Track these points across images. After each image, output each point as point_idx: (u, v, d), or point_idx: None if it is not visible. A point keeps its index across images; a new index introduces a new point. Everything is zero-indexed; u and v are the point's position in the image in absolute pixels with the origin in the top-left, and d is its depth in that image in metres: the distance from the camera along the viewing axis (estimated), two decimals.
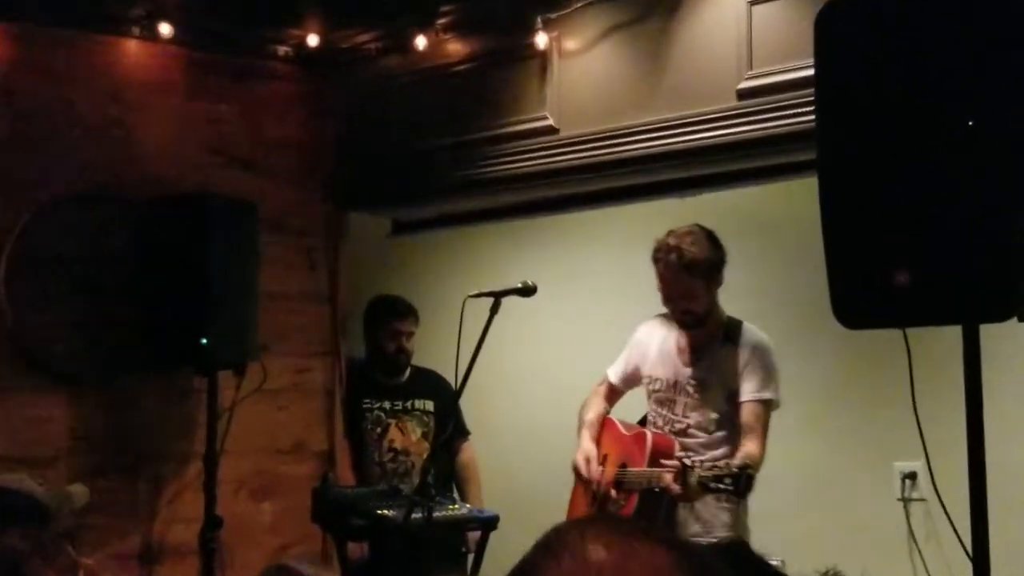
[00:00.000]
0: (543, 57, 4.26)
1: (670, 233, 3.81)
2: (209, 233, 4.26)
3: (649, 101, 3.98)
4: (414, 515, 3.51)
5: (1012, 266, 2.39)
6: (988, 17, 2.42)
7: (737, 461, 3.48)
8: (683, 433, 3.83)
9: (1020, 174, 2.38)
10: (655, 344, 4.00)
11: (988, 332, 2.55)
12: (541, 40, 4.21)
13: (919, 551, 4.31)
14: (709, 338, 3.87)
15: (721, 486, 3.41)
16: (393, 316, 4.91)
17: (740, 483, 3.39)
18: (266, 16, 4.65)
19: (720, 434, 3.81)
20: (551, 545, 1.15)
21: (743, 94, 3.73)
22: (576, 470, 3.94)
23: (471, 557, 4.23)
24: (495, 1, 4.39)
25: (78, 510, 3.06)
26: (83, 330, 4.33)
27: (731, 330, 3.86)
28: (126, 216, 4.39)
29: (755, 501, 3.71)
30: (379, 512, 3.90)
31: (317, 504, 4.17)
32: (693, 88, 3.87)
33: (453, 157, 4.54)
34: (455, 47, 4.51)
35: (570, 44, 4.20)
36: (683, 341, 3.92)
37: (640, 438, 3.86)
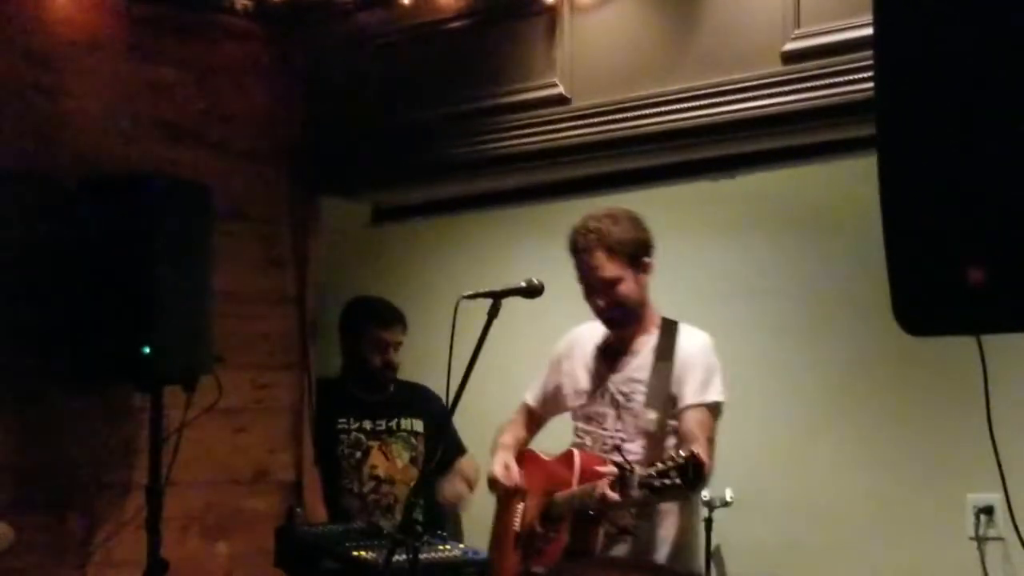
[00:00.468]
0: (552, 13, 4.27)
1: (587, 216, 3.94)
2: (153, 222, 4.25)
3: (677, 66, 3.99)
4: (397, 557, 3.52)
5: None
6: None
7: (683, 452, 3.48)
8: (616, 451, 3.81)
9: None
10: (577, 353, 4.11)
11: None
12: None
13: None
14: (641, 338, 3.95)
15: (667, 482, 3.44)
16: (378, 324, 4.93)
17: (688, 474, 3.40)
18: None
19: (657, 449, 3.81)
20: None
21: (789, 57, 3.74)
22: (494, 482, 4.03)
23: None
24: None
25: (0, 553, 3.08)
26: (0, 338, 4.33)
27: (666, 329, 3.95)
28: (52, 201, 4.39)
29: (810, 535, 3.71)
30: (355, 554, 3.91)
31: (282, 545, 4.19)
32: (729, 51, 3.88)
33: (444, 132, 4.55)
34: (447, 0, 4.52)
35: None
36: (611, 343, 4.00)
37: (567, 458, 3.96)
